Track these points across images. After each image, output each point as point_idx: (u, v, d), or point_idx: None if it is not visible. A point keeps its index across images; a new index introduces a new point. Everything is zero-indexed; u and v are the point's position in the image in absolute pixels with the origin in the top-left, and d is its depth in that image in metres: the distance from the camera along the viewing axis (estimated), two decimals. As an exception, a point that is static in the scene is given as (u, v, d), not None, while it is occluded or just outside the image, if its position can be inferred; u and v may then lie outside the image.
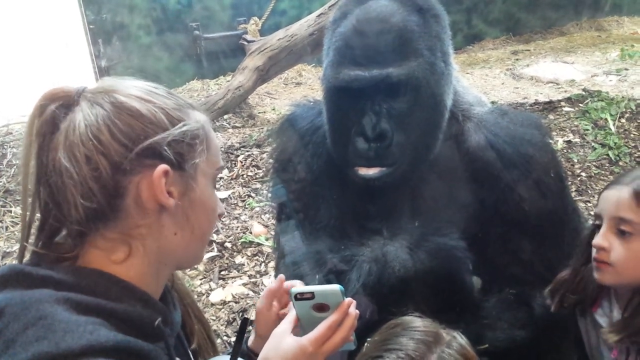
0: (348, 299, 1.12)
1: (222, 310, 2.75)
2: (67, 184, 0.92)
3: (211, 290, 2.91)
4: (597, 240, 1.35)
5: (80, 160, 0.92)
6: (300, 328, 1.13)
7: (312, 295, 1.11)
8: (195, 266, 3.00)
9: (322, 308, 1.11)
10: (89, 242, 0.97)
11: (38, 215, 1.00)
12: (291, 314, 1.13)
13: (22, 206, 1.00)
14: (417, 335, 1.15)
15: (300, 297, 1.12)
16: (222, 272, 3.05)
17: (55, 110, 0.95)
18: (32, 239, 1.00)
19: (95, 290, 0.91)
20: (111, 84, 1.00)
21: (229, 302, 2.81)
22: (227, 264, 3.12)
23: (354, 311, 1.12)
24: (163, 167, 0.95)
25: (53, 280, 0.91)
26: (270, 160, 1.79)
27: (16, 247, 3.36)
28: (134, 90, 0.98)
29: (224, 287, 2.93)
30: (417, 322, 1.19)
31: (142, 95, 0.98)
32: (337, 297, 1.11)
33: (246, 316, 1.25)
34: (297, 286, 1.23)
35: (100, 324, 0.86)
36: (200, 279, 2.99)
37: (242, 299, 2.81)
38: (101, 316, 0.88)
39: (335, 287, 1.11)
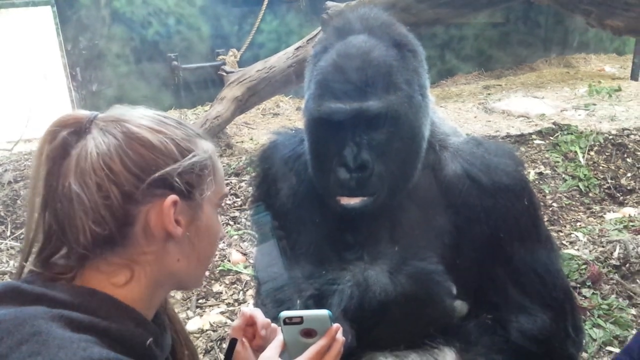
0: (336, 325, 1.13)
1: (200, 338, 2.73)
2: (77, 209, 0.94)
3: (188, 318, 2.89)
4: None
5: (91, 187, 0.94)
6: (286, 353, 1.14)
7: (300, 320, 1.12)
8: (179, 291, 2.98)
9: (310, 334, 1.12)
10: (90, 265, 0.99)
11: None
12: (278, 339, 1.15)
13: (27, 226, 1.01)
14: None
15: (289, 321, 1.12)
16: (200, 300, 3.04)
17: (66, 136, 0.97)
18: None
19: (89, 308, 0.93)
20: (122, 112, 1.02)
21: (207, 330, 2.78)
22: (204, 292, 3.10)
23: (341, 337, 1.14)
24: (173, 197, 0.98)
25: (47, 297, 0.92)
26: (252, 187, 1.81)
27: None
28: (144, 120, 1.01)
29: (201, 316, 2.91)
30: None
31: (153, 125, 1.00)
32: (325, 323, 1.12)
33: (235, 336, 1.26)
34: (258, 316, 1.25)
35: (93, 342, 0.87)
36: (178, 307, 2.97)
37: (220, 327, 2.79)
38: (94, 334, 0.89)
39: (324, 312, 1.12)
